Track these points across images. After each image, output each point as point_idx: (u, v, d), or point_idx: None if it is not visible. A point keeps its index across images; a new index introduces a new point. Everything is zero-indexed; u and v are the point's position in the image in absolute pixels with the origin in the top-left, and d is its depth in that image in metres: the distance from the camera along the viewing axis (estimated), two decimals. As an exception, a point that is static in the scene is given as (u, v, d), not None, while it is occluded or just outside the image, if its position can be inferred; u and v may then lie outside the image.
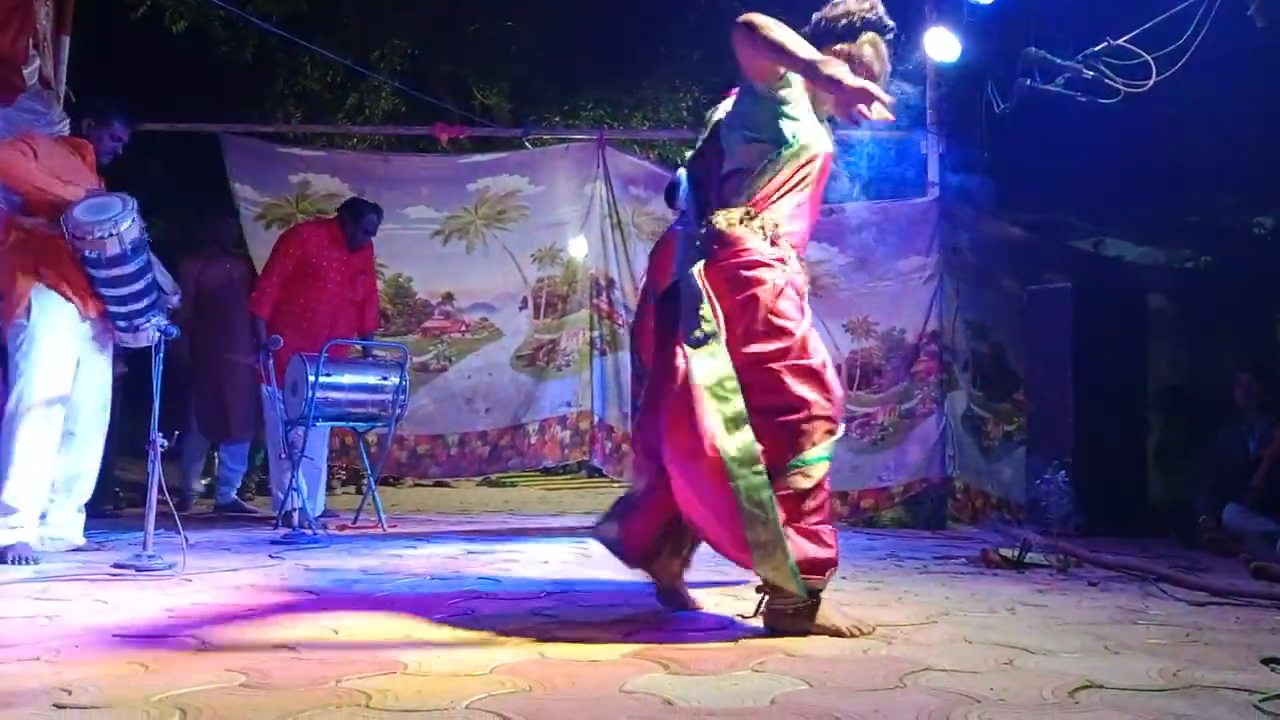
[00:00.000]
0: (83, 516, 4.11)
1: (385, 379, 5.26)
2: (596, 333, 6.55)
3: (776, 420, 2.53)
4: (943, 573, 3.87)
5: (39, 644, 2.28)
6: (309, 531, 4.73)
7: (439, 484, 9.71)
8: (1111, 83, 4.32)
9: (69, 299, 3.86)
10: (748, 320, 2.57)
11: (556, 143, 7.31)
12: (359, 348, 5.72)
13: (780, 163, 2.69)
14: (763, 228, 2.64)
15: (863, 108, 2.46)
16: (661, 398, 2.60)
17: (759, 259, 2.60)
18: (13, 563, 3.56)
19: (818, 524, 2.53)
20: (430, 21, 9.92)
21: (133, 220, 3.68)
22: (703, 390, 2.47)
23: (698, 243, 2.69)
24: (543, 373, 6.53)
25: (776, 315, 2.57)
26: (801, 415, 2.53)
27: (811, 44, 2.63)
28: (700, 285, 2.59)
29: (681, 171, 4.95)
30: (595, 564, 4.01)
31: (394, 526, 5.38)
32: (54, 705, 1.77)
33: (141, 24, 9.01)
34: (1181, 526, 5.29)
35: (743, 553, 2.47)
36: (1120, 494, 5.58)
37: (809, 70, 2.52)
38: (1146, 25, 4.29)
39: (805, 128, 2.73)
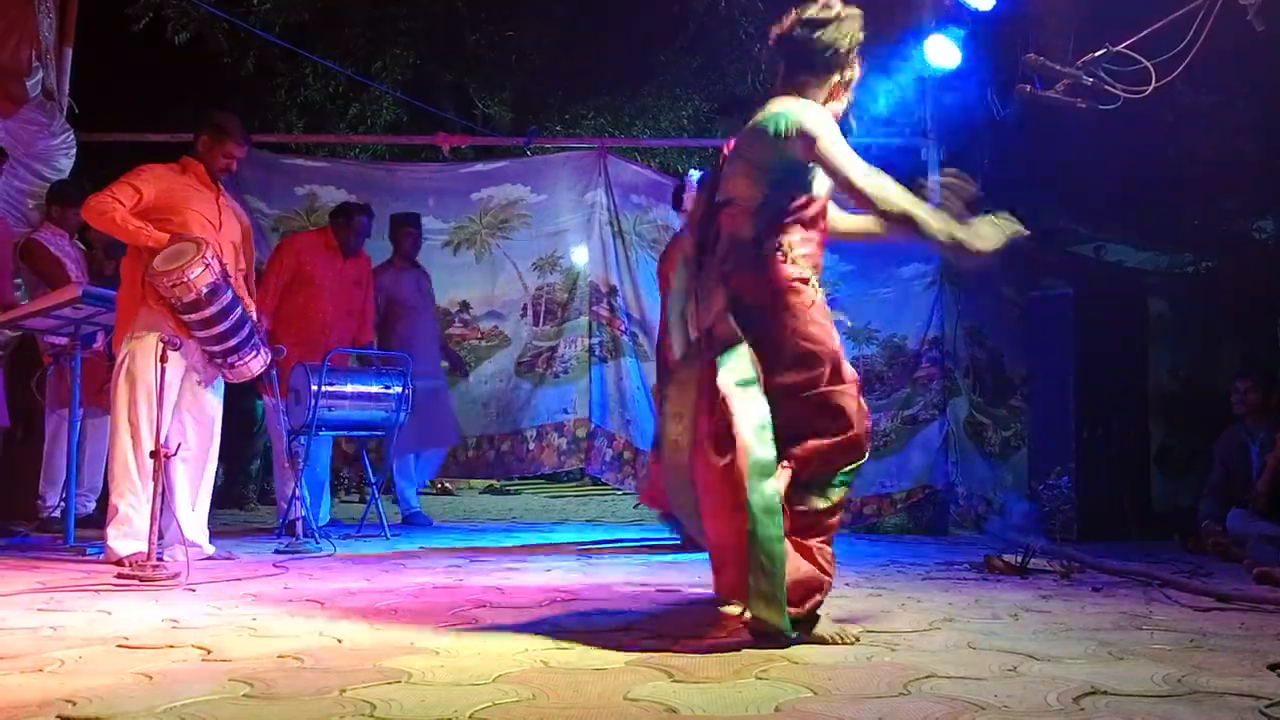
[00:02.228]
0: (206, 528, 4.28)
1: (388, 387, 5.27)
2: (596, 340, 6.57)
3: (806, 444, 2.56)
4: (946, 579, 3.87)
5: (43, 655, 2.29)
6: (313, 540, 4.73)
7: (443, 491, 9.71)
8: (1111, 89, 4.32)
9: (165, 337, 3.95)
10: (777, 347, 2.59)
11: (558, 151, 7.33)
12: (359, 356, 5.72)
13: (789, 193, 2.69)
14: (781, 251, 2.63)
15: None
16: (703, 430, 2.61)
17: (783, 284, 2.61)
18: (130, 567, 3.69)
19: (821, 544, 2.57)
20: (432, 31, 9.96)
21: (204, 267, 3.80)
22: (747, 430, 2.47)
23: (724, 267, 2.69)
24: (540, 379, 6.56)
25: (807, 340, 2.58)
26: (828, 442, 2.57)
27: (803, 64, 2.69)
28: (733, 329, 2.60)
29: (692, 173, 4.98)
30: (598, 572, 4.00)
31: (397, 535, 5.39)
32: (59, 716, 1.78)
33: (144, 35, 9.06)
34: (1185, 532, 5.28)
35: (742, 593, 2.50)
36: (1123, 499, 5.57)
37: (932, 241, 2.60)
38: (1146, 31, 4.29)
39: (817, 175, 2.70)
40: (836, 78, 2.75)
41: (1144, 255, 6.91)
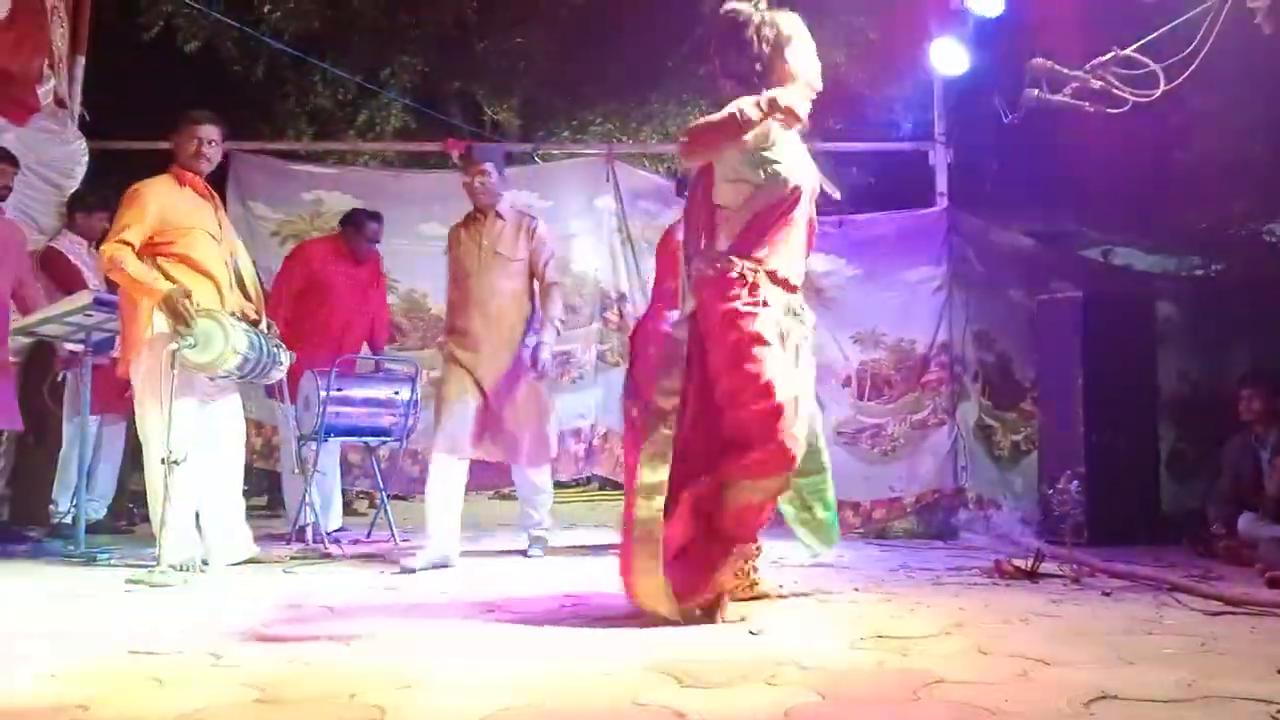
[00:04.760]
0: (248, 531, 4.33)
1: (396, 393, 5.28)
2: (605, 346, 6.56)
3: (731, 454, 2.79)
4: (956, 583, 3.86)
5: (53, 660, 2.30)
6: (322, 546, 4.74)
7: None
8: (1119, 92, 4.32)
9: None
10: (727, 362, 2.82)
11: (566, 157, 7.34)
12: (371, 362, 5.74)
13: (758, 202, 2.87)
14: (742, 275, 2.84)
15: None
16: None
17: (738, 308, 2.82)
18: (181, 568, 3.76)
19: (718, 554, 2.83)
20: (440, 38, 9.98)
21: (240, 351, 3.90)
22: (643, 456, 2.81)
23: (689, 287, 2.97)
24: (556, 385, 6.53)
25: (747, 360, 2.79)
26: (746, 453, 2.77)
27: (748, 66, 2.91)
28: (680, 350, 2.88)
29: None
30: (607, 577, 4.00)
31: (407, 541, 5.39)
32: (72, 720, 1.79)
33: (155, 44, 9.10)
34: (1194, 535, 5.26)
35: (629, 574, 2.81)
36: (1132, 503, 5.55)
37: (746, 125, 2.78)
38: (1153, 34, 4.28)
39: (785, 165, 2.90)
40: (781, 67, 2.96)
41: (1153, 258, 6.90)
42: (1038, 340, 6.12)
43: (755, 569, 3.19)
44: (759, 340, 2.80)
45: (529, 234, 4.69)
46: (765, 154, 2.86)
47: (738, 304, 2.81)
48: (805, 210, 2.95)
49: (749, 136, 2.82)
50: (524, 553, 4.82)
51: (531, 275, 4.70)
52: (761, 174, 2.86)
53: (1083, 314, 5.79)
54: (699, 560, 2.80)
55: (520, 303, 4.64)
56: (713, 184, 2.95)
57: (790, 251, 2.93)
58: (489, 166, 4.64)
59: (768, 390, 2.76)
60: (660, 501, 2.76)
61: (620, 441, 6.46)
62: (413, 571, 4.02)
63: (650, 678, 2.15)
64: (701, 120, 2.89)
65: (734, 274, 2.84)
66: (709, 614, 2.83)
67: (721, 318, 2.83)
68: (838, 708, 1.91)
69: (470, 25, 9.95)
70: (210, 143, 4.27)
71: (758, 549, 3.19)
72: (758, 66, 2.90)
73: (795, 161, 2.92)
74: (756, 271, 2.85)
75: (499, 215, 4.67)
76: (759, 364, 2.78)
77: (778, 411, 2.75)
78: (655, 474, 2.79)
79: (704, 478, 2.80)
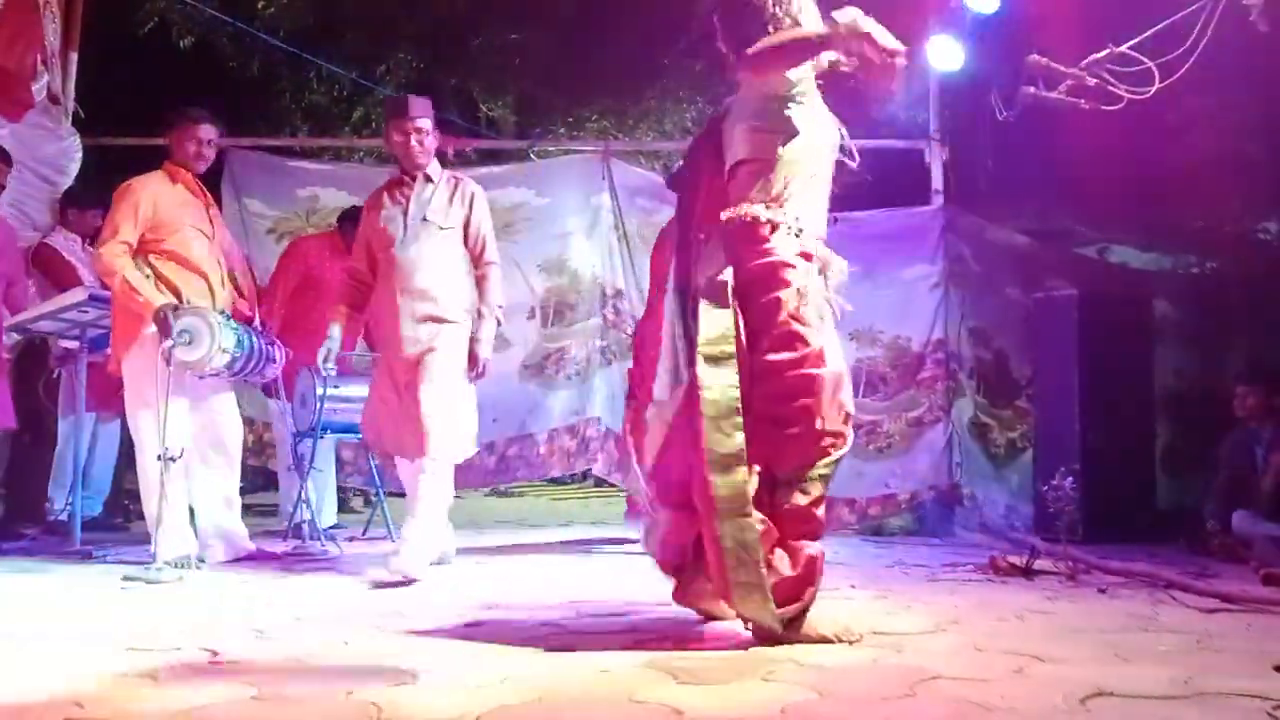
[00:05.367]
0: (243, 528, 4.32)
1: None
2: (604, 342, 6.56)
3: (784, 432, 2.53)
4: (951, 580, 3.87)
5: (50, 658, 2.30)
6: (318, 544, 4.73)
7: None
8: (1115, 90, 4.32)
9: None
10: (769, 326, 2.55)
11: (562, 154, 7.33)
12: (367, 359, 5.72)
13: (795, 155, 2.66)
14: (785, 224, 2.61)
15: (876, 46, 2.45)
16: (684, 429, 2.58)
17: (784, 259, 2.58)
18: (177, 566, 3.75)
19: (803, 541, 2.53)
20: (435, 35, 9.97)
21: (228, 349, 3.90)
22: (707, 423, 2.47)
23: (722, 237, 2.64)
24: (551, 381, 6.53)
25: (796, 321, 2.55)
26: (804, 429, 2.52)
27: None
28: (730, 300, 2.55)
29: None
30: (604, 575, 4.00)
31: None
32: (66, 718, 1.78)
33: (148, 39, 9.07)
34: (1190, 533, 5.27)
35: (726, 589, 2.49)
36: (1128, 500, 5.56)
37: (828, 43, 2.53)
38: (1149, 32, 4.29)
39: (814, 114, 2.71)
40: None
41: (1148, 256, 6.90)
42: (1034, 337, 6.12)
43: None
44: (801, 298, 2.56)
45: (465, 200, 4.12)
46: (797, 103, 2.67)
47: (774, 257, 2.57)
48: (828, 168, 2.78)
49: (792, 76, 2.64)
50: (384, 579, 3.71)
51: (468, 250, 4.11)
52: (793, 120, 2.66)
53: (1079, 311, 5.80)
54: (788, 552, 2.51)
55: (451, 279, 4.04)
56: (721, 152, 2.77)
57: (816, 208, 2.73)
58: (428, 123, 4.13)
59: (818, 358, 2.53)
60: (743, 474, 2.43)
61: (615, 439, 6.46)
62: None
63: (648, 675, 2.15)
64: (765, 41, 2.58)
65: (765, 228, 2.60)
66: (814, 626, 2.52)
67: (760, 271, 2.57)
68: (834, 705, 1.91)
69: (466, 21, 9.94)
70: (209, 143, 4.30)
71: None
72: (771, 29, 2.68)
73: (821, 114, 2.81)
74: (799, 219, 2.62)
75: (428, 178, 4.13)
76: (806, 326, 2.54)
77: (834, 382, 2.52)
78: (729, 439, 2.44)
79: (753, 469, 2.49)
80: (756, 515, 2.45)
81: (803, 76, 2.69)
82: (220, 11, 8.74)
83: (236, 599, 3.25)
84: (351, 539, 5.33)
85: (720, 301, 2.56)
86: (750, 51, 2.60)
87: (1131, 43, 4.27)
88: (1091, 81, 4.35)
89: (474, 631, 2.70)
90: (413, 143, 4.07)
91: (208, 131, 4.28)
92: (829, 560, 4.29)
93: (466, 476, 6.62)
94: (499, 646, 2.49)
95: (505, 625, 2.80)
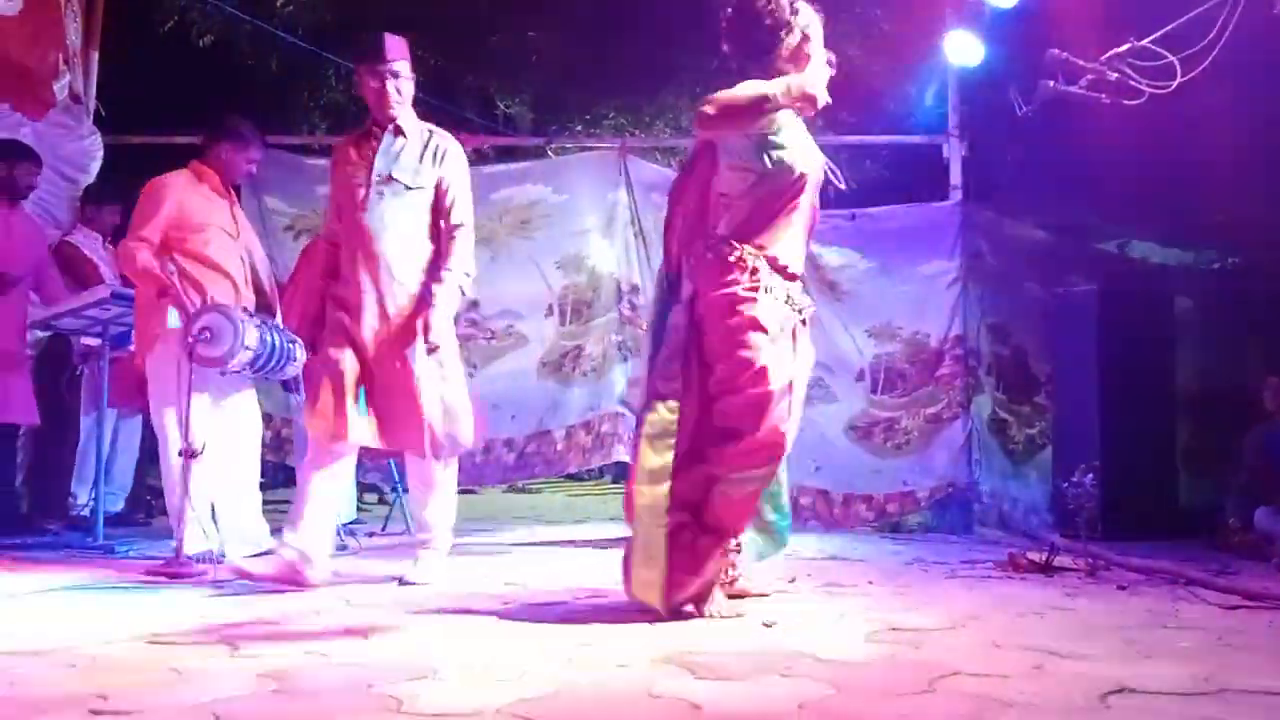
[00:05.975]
0: (264, 523, 4.29)
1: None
2: (620, 337, 6.57)
3: (730, 442, 2.76)
4: (970, 577, 3.85)
5: (73, 650, 2.32)
6: (337, 539, 4.76)
7: (465, 491, 9.71)
8: (1135, 84, 4.28)
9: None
10: (724, 352, 2.80)
11: (579, 151, 7.34)
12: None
13: (762, 189, 2.84)
14: (742, 260, 2.81)
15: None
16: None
17: (738, 294, 2.79)
18: (199, 561, 3.79)
19: (708, 546, 2.79)
20: (453, 32, 9.98)
21: (251, 346, 3.86)
22: (644, 440, 2.82)
23: (686, 271, 2.95)
24: (569, 379, 6.54)
25: (742, 347, 2.77)
26: (735, 442, 2.75)
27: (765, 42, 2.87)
28: (683, 337, 2.85)
29: None
30: (620, 570, 4.00)
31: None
32: (90, 711, 1.80)
33: (168, 38, 9.13)
34: (1211, 529, 5.24)
35: (630, 578, 2.86)
36: (1149, 497, 5.53)
37: (774, 109, 2.79)
38: (1171, 25, 4.25)
39: (792, 151, 2.86)
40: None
41: (1169, 252, 6.85)
42: (1053, 334, 6.10)
43: (734, 565, 3.12)
44: (756, 326, 2.76)
45: (438, 157, 3.63)
46: (772, 139, 2.82)
47: (737, 289, 2.78)
48: (809, 198, 2.92)
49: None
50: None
51: (436, 212, 3.62)
52: (768, 161, 2.81)
53: (1098, 307, 5.77)
54: (687, 552, 2.76)
55: (417, 244, 3.58)
56: (715, 167, 2.91)
57: (792, 239, 2.89)
58: (406, 67, 3.67)
59: (761, 377, 2.74)
60: (665, 488, 2.75)
61: (628, 427, 6.46)
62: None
63: (665, 669, 2.15)
64: (725, 94, 2.79)
65: (733, 259, 2.80)
66: (698, 607, 2.82)
67: (719, 303, 2.80)
68: (852, 700, 1.91)
69: (483, 19, 9.95)
70: (254, 162, 4.40)
71: (737, 545, 3.07)
72: (773, 41, 2.86)
73: (801, 148, 2.89)
74: (757, 257, 2.81)
75: (399, 131, 3.63)
76: (754, 350, 2.75)
77: (768, 399, 2.73)
78: (659, 457, 2.79)
79: (696, 467, 2.77)
80: (667, 522, 2.75)
81: (782, 118, 2.86)
82: (239, 10, 8.78)
83: (256, 593, 3.27)
84: (371, 534, 5.35)
85: (674, 343, 2.88)
86: (707, 109, 2.81)
87: (1153, 36, 4.23)
88: (1112, 76, 4.32)
89: (492, 626, 2.71)
90: (389, 88, 3.58)
91: (258, 153, 4.38)
92: (847, 558, 4.31)
93: (486, 473, 6.67)
94: (517, 640, 2.50)
95: (523, 620, 2.81)
